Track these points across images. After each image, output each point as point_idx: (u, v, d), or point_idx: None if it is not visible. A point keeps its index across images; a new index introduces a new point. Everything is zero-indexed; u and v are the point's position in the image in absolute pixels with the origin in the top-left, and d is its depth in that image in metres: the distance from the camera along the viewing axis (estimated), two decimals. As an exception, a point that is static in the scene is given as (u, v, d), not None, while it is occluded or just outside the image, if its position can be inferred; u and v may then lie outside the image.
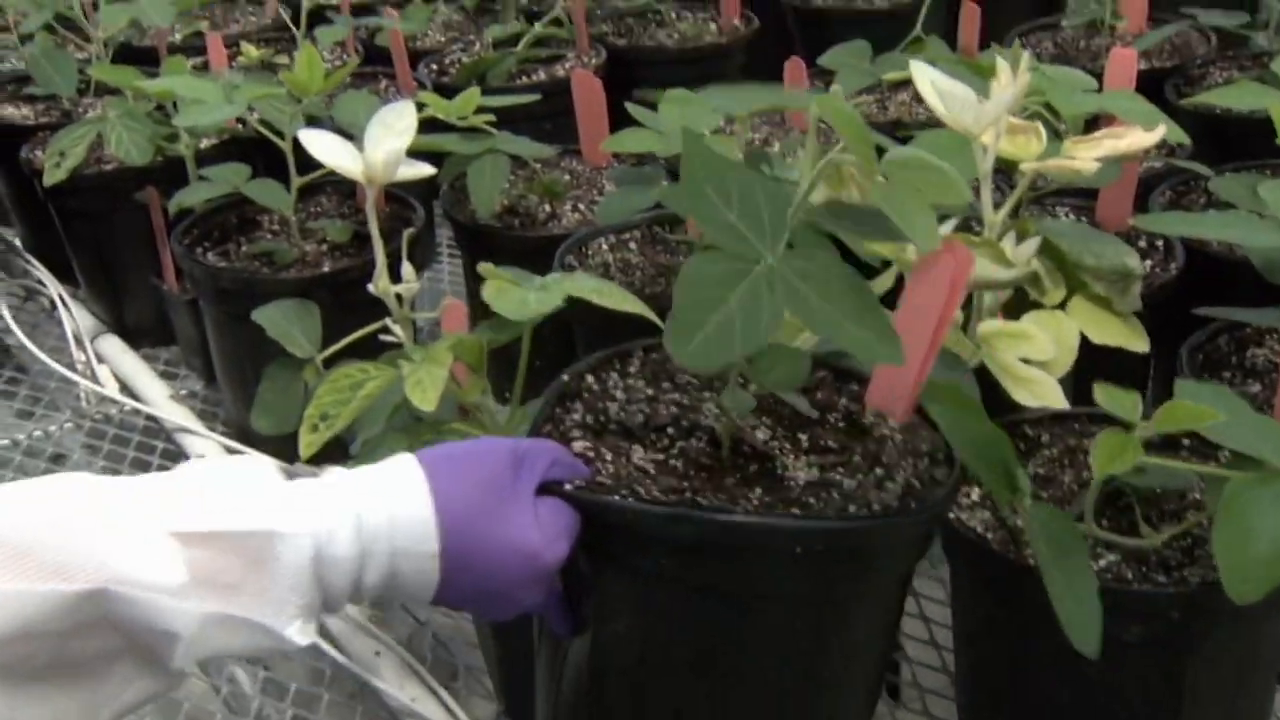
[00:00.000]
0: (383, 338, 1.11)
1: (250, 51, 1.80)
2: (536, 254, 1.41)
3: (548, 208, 1.48)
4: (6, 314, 1.54)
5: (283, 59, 1.88)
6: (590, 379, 0.82)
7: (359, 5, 1.93)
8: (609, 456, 0.74)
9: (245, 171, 1.33)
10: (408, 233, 1.19)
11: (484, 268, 0.99)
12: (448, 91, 1.71)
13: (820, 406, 0.80)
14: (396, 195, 1.48)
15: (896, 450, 0.76)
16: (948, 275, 0.70)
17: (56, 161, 1.42)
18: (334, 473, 0.67)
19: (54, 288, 1.58)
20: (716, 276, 0.64)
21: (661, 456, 0.74)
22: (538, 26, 1.83)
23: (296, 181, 1.33)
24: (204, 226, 1.38)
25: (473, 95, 1.39)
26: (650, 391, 0.81)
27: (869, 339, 0.64)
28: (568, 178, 1.52)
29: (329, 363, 1.07)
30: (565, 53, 1.87)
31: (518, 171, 1.48)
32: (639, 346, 0.86)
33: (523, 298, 0.95)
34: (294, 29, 1.72)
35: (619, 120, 1.39)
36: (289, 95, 1.31)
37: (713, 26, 1.95)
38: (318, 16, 1.77)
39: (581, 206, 1.49)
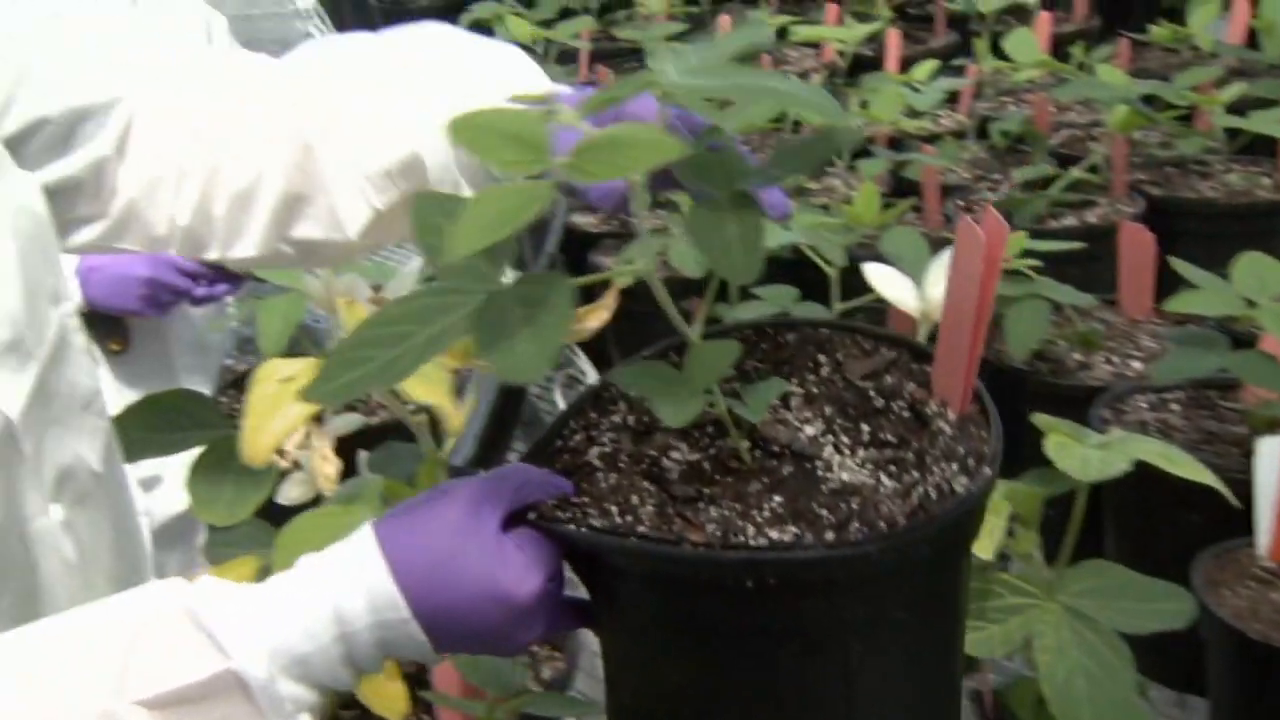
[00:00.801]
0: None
1: (786, 176, 1.91)
2: (1063, 402, 1.38)
3: (1077, 356, 1.44)
4: (559, 398, 1.71)
5: (813, 185, 1.98)
6: None
7: (893, 138, 1.99)
8: (623, 465, 0.70)
9: (794, 294, 1.40)
10: (942, 321, 1.20)
11: (1041, 419, 0.98)
12: (973, 228, 1.73)
13: (888, 393, 0.74)
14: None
15: (942, 450, 0.69)
16: (983, 247, 0.68)
17: (628, 262, 1.56)
18: (302, 562, 0.67)
19: (594, 376, 1.73)
20: (421, 311, 0.60)
21: (697, 458, 0.70)
22: (1074, 171, 1.80)
23: (838, 306, 1.38)
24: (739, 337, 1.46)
25: (1018, 238, 1.39)
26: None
27: (521, 354, 0.59)
28: (1100, 327, 1.47)
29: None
30: (1096, 198, 1.82)
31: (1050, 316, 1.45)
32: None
33: (1085, 456, 0.93)
34: (834, 159, 1.80)
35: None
36: (842, 225, 1.37)
37: (1265, 181, 1.84)
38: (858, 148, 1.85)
39: (1115, 359, 1.44)
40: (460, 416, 0.91)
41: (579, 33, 2.44)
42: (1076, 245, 1.49)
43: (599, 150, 0.60)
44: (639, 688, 0.72)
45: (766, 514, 0.65)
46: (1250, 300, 1.19)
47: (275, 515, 1.05)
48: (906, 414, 0.73)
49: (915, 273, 1.25)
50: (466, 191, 0.81)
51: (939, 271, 1.21)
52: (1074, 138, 2.12)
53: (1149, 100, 1.87)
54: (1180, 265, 1.36)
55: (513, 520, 0.67)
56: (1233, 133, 1.87)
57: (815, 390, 0.75)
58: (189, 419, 1.14)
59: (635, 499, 0.67)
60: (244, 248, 0.87)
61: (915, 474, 0.68)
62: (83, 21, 0.87)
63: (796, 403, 0.74)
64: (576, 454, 0.72)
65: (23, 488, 0.79)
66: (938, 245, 1.44)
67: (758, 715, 0.67)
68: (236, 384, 1.56)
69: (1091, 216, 1.77)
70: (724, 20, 2.56)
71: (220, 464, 1.13)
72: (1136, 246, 1.43)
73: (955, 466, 0.68)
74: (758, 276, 0.64)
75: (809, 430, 0.72)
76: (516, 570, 0.65)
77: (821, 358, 0.78)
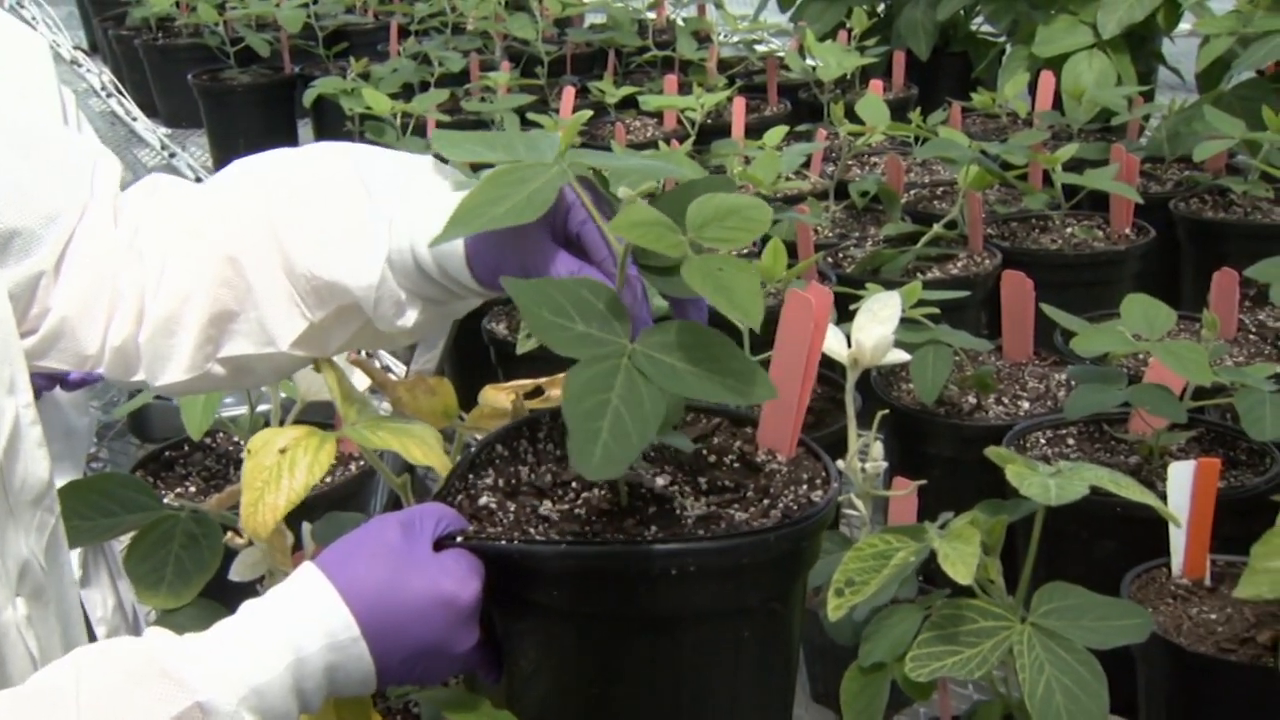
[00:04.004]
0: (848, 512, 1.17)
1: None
2: (965, 442, 1.46)
3: (972, 399, 1.52)
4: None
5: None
6: (500, 448, 0.87)
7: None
8: (512, 508, 0.79)
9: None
10: (881, 414, 1.25)
11: (995, 452, 1.04)
12: (845, 282, 1.81)
13: (718, 450, 0.86)
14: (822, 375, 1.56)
15: (783, 481, 0.82)
16: (810, 313, 0.82)
17: (528, 335, 1.56)
18: (245, 606, 0.71)
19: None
20: (593, 380, 0.66)
21: (568, 507, 0.80)
22: (937, 226, 1.91)
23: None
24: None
25: (915, 288, 1.47)
26: (560, 452, 0.86)
27: (740, 386, 0.67)
28: (992, 369, 1.56)
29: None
30: (956, 251, 1.94)
31: (942, 362, 1.53)
32: (546, 414, 0.90)
33: (1044, 484, 0.98)
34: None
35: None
36: (752, 281, 1.41)
37: (1099, 234, 1.99)
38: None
39: (1005, 400, 1.52)
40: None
41: (431, 105, 2.45)
42: (962, 294, 1.58)
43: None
44: (548, 694, 0.80)
45: (650, 539, 0.75)
46: (1140, 337, 1.29)
47: (226, 593, 1.01)
48: (738, 465, 0.85)
49: (825, 324, 1.30)
50: (410, 313, 0.81)
51: (863, 318, 1.26)
52: (921, 196, 2.25)
53: (991, 159, 2.01)
54: (1052, 311, 1.47)
55: (438, 547, 0.74)
56: (1067, 189, 2.02)
57: (652, 454, 0.86)
58: (119, 503, 1.09)
59: (539, 529, 0.77)
60: (172, 373, 0.86)
61: (765, 502, 0.80)
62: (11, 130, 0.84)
63: (639, 463, 0.84)
64: (466, 507, 0.80)
65: None
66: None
67: (664, 694, 0.78)
68: (145, 465, 1.48)
69: (954, 269, 1.88)
70: (567, 92, 2.61)
71: (159, 546, 1.08)
72: (1018, 294, 1.53)
73: (805, 487, 0.82)
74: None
75: (660, 481, 0.83)
76: (458, 577, 0.72)
77: None
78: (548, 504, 0.81)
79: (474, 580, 0.73)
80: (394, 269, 0.79)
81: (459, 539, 0.75)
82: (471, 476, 0.84)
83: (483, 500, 0.81)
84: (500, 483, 0.83)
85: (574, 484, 0.83)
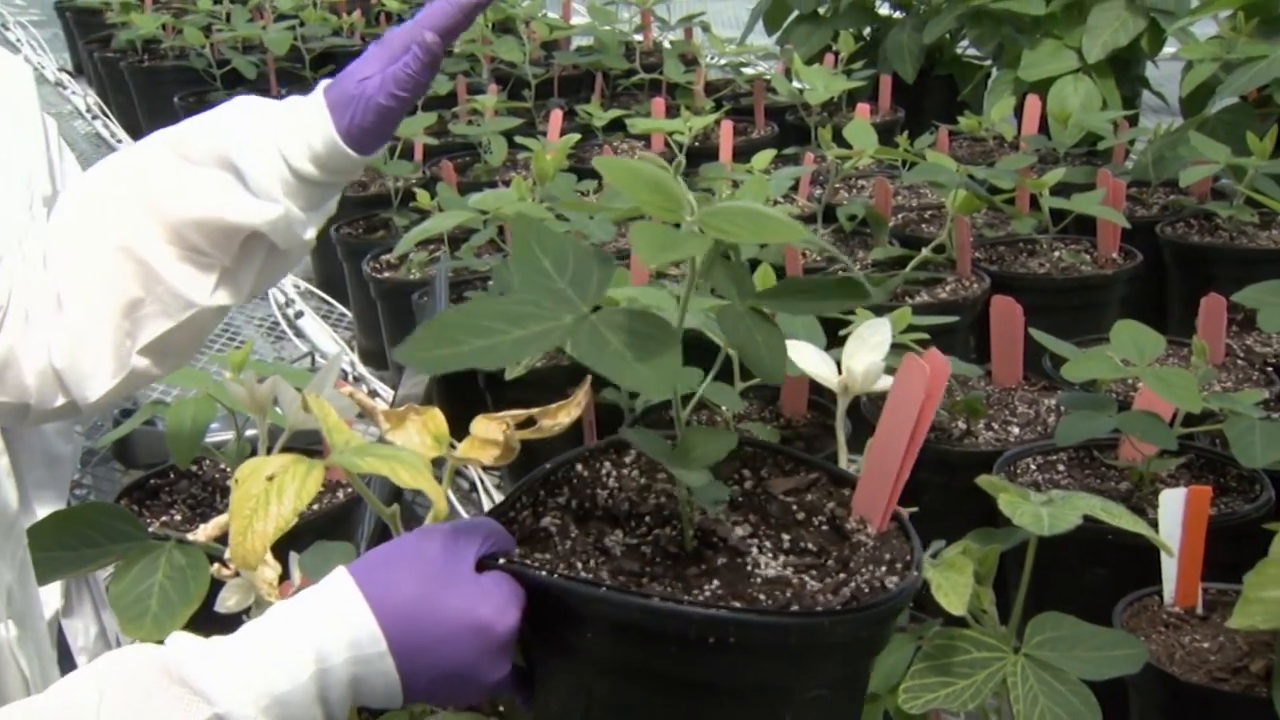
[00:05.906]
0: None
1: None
2: (955, 468, 1.45)
3: (962, 425, 1.52)
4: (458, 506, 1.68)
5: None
6: (580, 467, 0.84)
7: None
8: (573, 534, 0.75)
9: (699, 375, 1.43)
10: (871, 440, 1.25)
11: (987, 480, 1.03)
12: (834, 308, 1.80)
13: (809, 508, 0.82)
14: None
15: (865, 557, 0.77)
16: (923, 384, 0.76)
17: (518, 360, 1.56)
18: (275, 608, 0.70)
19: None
20: (512, 314, 0.66)
21: (635, 542, 0.76)
22: (925, 250, 1.91)
23: (739, 385, 1.42)
24: (645, 421, 1.47)
25: (905, 314, 1.46)
26: (644, 481, 0.82)
27: (647, 375, 0.64)
28: (982, 395, 1.56)
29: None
30: (944, 275, 1.94)
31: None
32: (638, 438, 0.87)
33: (1037, 514, 0.98)
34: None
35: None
36: (742, 307, 1.41)
37: (1087, 257, 2.00)
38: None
39: (995, 425, 1.52)
40: (444, 502, 0.89)
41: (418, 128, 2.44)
42: (952, 319, 1.58)
43: (739, 216, 0.68)
44: None
45: (707, 594, 0.71)
46: (1129, 363, 1.29)
47: (213, 625, 0.99)
48: (826, 528, 0.80)
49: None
50: (310, 230, 0.91)
51: (854, 345, 1.26)
52: (909, 220, 2.25)
53: (979, 183, 2.01)
54: (1042, 337, 1.47)
55: (479, 566, 0.71)
56: (1054, 213, 2.03)
57: (740, 499, 0.82)
58: (103, 533, 1.07)
59: (591, 563, 0.73)
60: (98, 385, 0.88)
61: (841, 576, 0.74)
62: None
63: (723, 507, 0.80)
64: (527, 524, 0.77)
65: None
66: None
67: None
68: (130, 493, 1.47)
69: (943, 293, 1.88)
70: (555, 115, 2.61)
71: (143, 576, 1.07)
72: (1007, 319, 1.53)
73: (884, 569, 0.76)
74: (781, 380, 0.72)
75: (739, 531, 0.78)
76: (496, 604, 0.69)
77: (745, 472, 0.85)
78: (618, 534, 0.77)
79: (513, 609, 0.70)
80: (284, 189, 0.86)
81: (500, 561, 0.72)
82: (543, 493, 0.81)
83: (545, 520, 0.78)
84: (573, 504, 0.80)
85: (648, 518, 0.79)
